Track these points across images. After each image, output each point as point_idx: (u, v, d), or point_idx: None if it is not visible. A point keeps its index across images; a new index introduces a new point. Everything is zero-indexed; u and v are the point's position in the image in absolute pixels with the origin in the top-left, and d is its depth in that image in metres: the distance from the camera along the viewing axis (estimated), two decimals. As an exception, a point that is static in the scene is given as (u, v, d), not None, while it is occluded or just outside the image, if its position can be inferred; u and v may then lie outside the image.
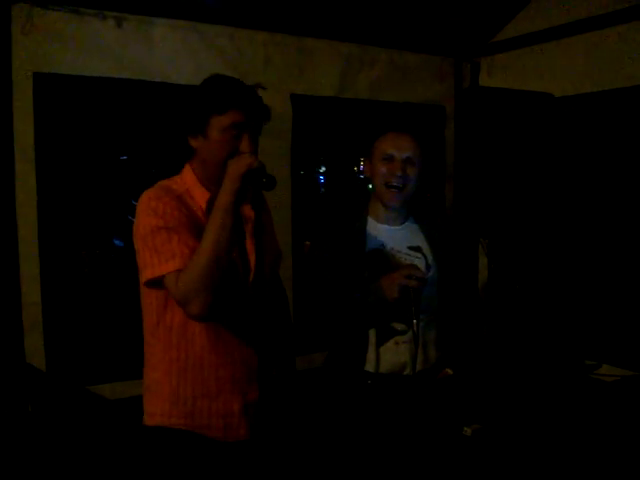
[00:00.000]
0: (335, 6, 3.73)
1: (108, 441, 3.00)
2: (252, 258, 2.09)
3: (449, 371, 2.59)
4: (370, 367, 2.46)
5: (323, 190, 4.94)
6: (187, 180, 2.07)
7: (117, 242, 3.96)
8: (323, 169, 4.86)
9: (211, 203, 1.94)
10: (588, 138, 3.99)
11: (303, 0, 3.61)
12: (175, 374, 2.03)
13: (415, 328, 2.27)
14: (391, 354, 2.46)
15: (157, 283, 1.94)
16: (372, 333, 2.46)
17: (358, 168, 4.90)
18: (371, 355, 2.46)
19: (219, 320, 2.02)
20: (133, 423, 2.17)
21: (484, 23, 4.25)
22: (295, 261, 3.97)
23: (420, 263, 2.44)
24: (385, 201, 2.49)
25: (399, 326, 2.44)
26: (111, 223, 3.76)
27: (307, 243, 4.14)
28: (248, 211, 2.12)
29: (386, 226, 2.54)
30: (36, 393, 3.12)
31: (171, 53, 3.52)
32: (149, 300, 2.03)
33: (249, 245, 2.12)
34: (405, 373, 2.44)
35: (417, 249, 2.48)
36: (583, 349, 3.69)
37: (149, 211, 1.94)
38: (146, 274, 1.93)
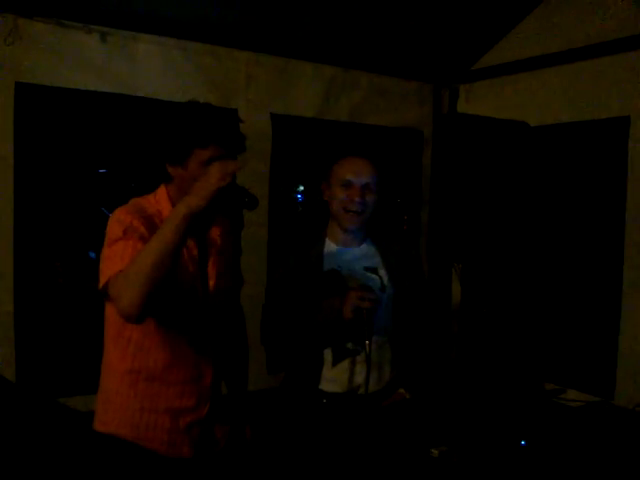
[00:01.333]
0: (318, 29, 3.79)
1: (79, 452, 2.97)
2: (212, 282, 2.15)
3: (403, 391, 2.61)
4: (325, 386, 2.48)
5: (300, 209, 4.97)
6: (161, 201, 2.09)
7: (92, 254, 3.95)
8: (301, 189, 4.89)
9: None
10: (562, 167, 4.08)
11: (287, 22, 3.66)
12: (127, 385, 2.06)
13: (367, 349, 2.30)
14: (346, 373, 2.48)
15: None
16: (327, 352, 2.48)
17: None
18: (326, 374, 2.48)
19: (175, 338, 2.06)
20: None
21: (464, 51, 4.34)
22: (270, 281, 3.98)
23: (376, 284, 2.48)
24: (344, 225, 2.52)
25: (352, 346, 2.47)
26: (86, 235, 3.74)
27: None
28: (215, 235, 2.18)
29: (342, 247, 2.57)
30: (5, 405, 3.09)
31: (154, 69, 3.56)
32: (110, 311, 2.06)
33: (210, 268, 2.16)
34: (359, 392, 2.47)
35: (373, 270, 2.51)
36: (546, 373, 3.75)
37: (115, 224, 1.96)
38: (99, 284, 1.93)
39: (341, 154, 2.55)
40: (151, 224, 1.99)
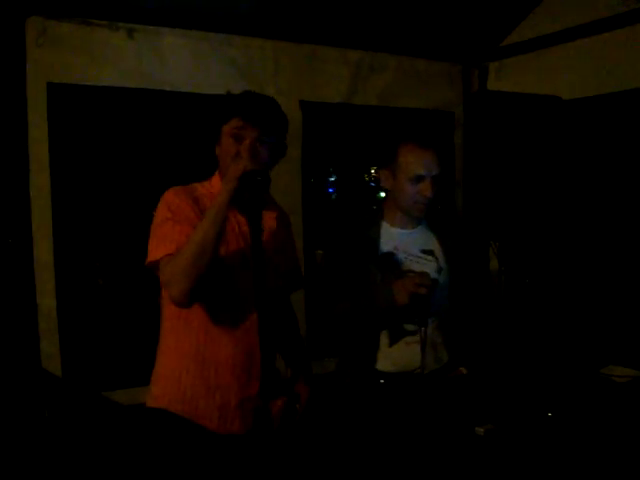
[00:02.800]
0: (344, 14, 3.77)
1: (121, 445, 3.03)
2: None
3: (463, 370, 2.60)
4: (382, 366, 2.48)
5: (334, 197, 4.96)
6: (214, 185, 2.17)
7: (132, 251, 3.99)
8: (333, 176, 4.88)
9: None
10: (597, 140, 4.00)
11: (312, 8, 3.65)
12: (179, 362, 2.10)
13: (423, 334, 2.32)
14: (402, 354, 2.48)
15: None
16: (383, 334, 2.49)
17: (369, 176, 4.91)
18: (382, 355, 2.48)
19: (224, 314, 2.10)
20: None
21: (492, 28, 4.28)
22: (307, 268, 3.99)
23: (432, 266, 2.46)
24: (412, 214, 2.51)
25: (409, 327, 2.47)
26: (125, 231, 3.79)
27: (319, 252, 4.17)
28: (268, 217, 2.19)
29: (400, 230, 2.55)
30: (52, 398, 3.16)
31: (182, 62, 3.59)
32: (166, 292, 2.09)
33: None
34: (416, 372, 2.46)
35: (430, 252, 2.49)
36: (595, 349, 3.68)
37: (164, 204, 2.08)
38: (147, 259, 2.04)
39: (401, 140, 2.50)
40: (200, 205, 2.09)
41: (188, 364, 2.09)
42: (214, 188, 2.15)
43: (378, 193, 4.61)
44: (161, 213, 2.07)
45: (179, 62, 3.58)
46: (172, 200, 2.08)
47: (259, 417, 2.12)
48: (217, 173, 2.20)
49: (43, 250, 3.26)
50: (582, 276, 4.02)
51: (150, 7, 3.40)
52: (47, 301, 3.27)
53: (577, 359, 3.48)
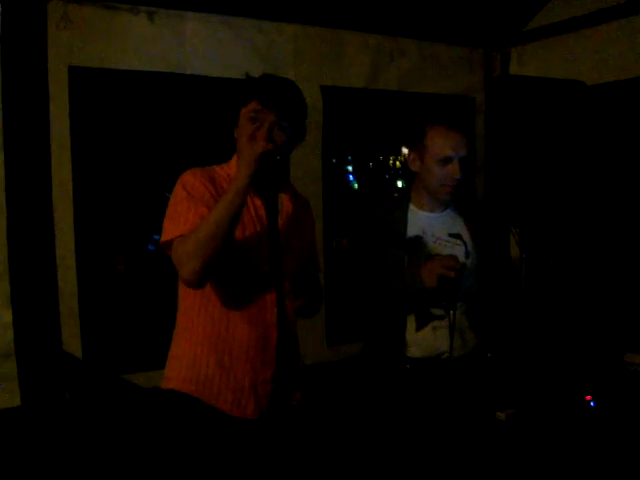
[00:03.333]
0: (364, -2, 3.75)
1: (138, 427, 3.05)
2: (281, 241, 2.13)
3: (488, 354, 2.60)
4: (409, 351, 2.48)
5: (355, 183, 4.94)
6: (232, 167, 2.17)
7: (155, 237, 3.99)
8: (353, 162, 4.86)
9: None
10: (621, 126, 3.94)
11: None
12: (195, 342, 2.10)
13: (451, 317, 2.32)
14: (429, 339, 2.47)
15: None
16: (410, 318, 2.48)
17: (392, 160, 4.89)
18: (409, 339, 2.48)
19: (240, 297, 2.09)
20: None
21: (514, 12, 4.22)
22: (327, 255, 3.98)
23: (460, 250, 2.45)
24: (439, 197, 2.50)
25: (437, 311, 2.46)
26: (146, 216, 3.80)
27: (345, 240, 4.17)
28: (285, 199, 2.21)
29: (427, 213, 2.55)
30: (73, 380, 3.19)
31: (202, 46, 3.57)
32: None
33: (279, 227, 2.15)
34: (443, 357, 2.45)
35: (457, 236, 2.48)
36: (619, 337, 3.65)
37: (181, 184, 2.08)
38: (161, 239, 2.05)
39: (428, 122, 2.49)
40: (217, 187, 2.09)
41: (203, 345, 2.09)
42: (232, 170, 2.15)
43: (396, 180, 4.59)
44: (177, 193, 2.07)
45: (200, 46, 3.56)
46: (188, 180, 2.08)
47: (274, 402, 2.13)
48: (235, 156, 2.19)
49: (65, 236, 3.27)
50: (604, 262, 3.98)
51: (171, -10, 3.40)
52: (69, 285, 3.28)
53: (599, 345, 3.45)
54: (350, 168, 4.80)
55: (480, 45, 4.50)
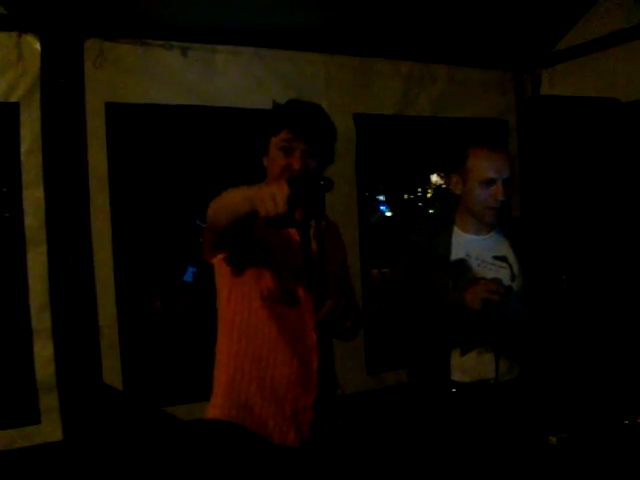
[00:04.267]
0: (393, 25, 3.76)
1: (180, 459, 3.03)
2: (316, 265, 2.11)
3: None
4: (454, 376, 2.43)
5: (388, 211, 4.94)
6: None
7: (191, 269, 4.03)
8: (386, 190, 4.87)
9: None
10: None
11: (362, 21, 3.66)
12: (234, 368, 2.08)
13: (497, 340, 2.27)
14: (474, 363, 2.42)
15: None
16: (456, 343, 2.44)
17: (424, 188, 4.90)
18: (454, 364, 2.43)
19: (279, 320, 2.07)
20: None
21: (543, 33, 4.21)
22: (364, 283, 3.95)
23: (505, 273, 2.41)
24: (484, 220, 2.46)
25: (482, 336, 2.41)
26: (180, 249, 3.83)
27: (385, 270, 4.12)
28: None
29: (472, 236, 2.51)
30: (114, 413, 3.19)
31: (234, 78, 3.62)
32: (220, 296, 2.13)
33: (315, 252, 2.13)
34: (490, 383, 2.40)
35: (503, 259, 2.45)
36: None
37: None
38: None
39: (470, 144, 2.47)
40: None
41: (244, 370, 2.07)
42: None
43: (428, 208, 4.59)
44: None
45: (231, 78, 3.61)
46: None
47: (316, 430, 2.10)
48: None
49: (104, 269, 3.31)
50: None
51: (203, 25, 3.46)
52: (109, 318, 3.31)
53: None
54: (383, 197, 4.80)
55: (510, 68, 4.49)
